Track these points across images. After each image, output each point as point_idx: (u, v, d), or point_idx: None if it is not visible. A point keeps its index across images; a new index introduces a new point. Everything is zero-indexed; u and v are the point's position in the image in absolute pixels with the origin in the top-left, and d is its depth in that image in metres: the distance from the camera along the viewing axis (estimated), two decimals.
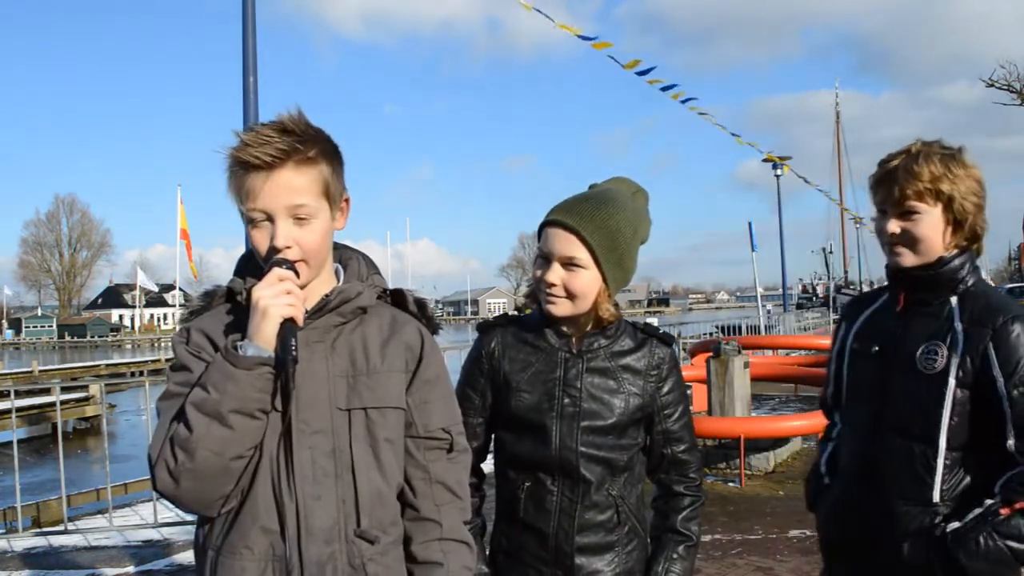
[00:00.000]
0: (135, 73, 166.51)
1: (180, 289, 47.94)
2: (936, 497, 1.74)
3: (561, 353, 1.82)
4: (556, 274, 1.76)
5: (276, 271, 1.34)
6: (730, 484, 6.94)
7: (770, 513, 5.99)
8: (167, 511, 6.25)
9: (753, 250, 18.74)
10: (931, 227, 1.78)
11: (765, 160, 21.14)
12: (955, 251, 1.80)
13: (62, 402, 10.35)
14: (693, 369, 9.31)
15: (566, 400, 1.78)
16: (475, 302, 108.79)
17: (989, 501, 1.67)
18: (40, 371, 34.34)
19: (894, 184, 1.79)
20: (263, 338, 1.32)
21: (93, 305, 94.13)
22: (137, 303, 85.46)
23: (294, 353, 1.30)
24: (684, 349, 12.74)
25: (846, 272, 70.58)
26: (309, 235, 1.40)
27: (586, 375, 1.80)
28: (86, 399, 19.96)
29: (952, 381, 1.72)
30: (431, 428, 1.50)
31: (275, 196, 1.37)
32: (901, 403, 1.80)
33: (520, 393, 1.81)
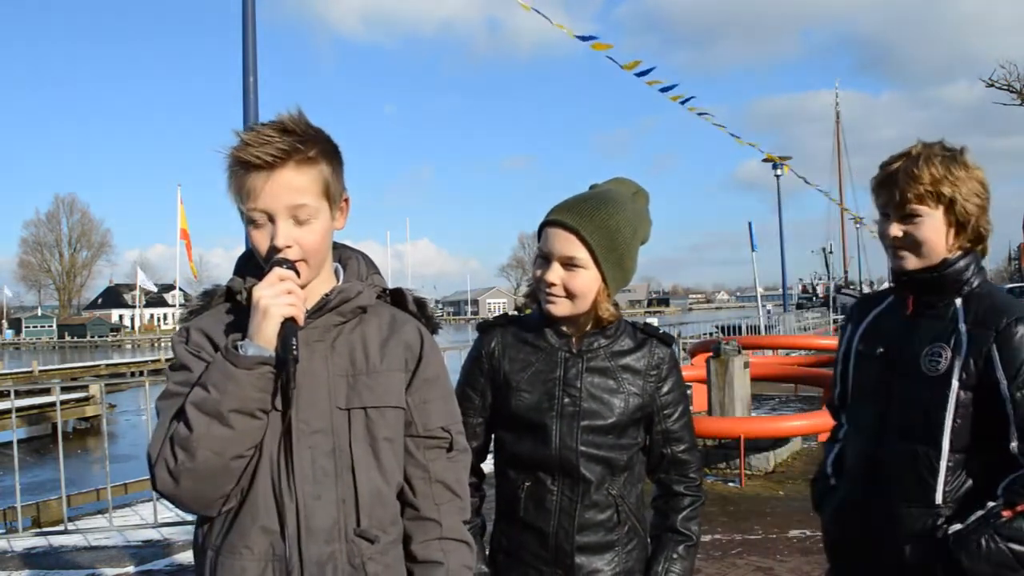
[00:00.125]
0: (135, 73, 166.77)
1: (180, 289, 47.94)
2: (939, 499, 1.74)
3: (561, 353, 1.81)
4: (555, 274, 1.76)
5: (277, 271, 1.34)
6: (730, 484, 6.94)
7: (770, 513, 5.99)
8: (167, 511, 6.25)
9: (753, 250, 18.76)
10: (933, 230, 1.78)
11: (765, 160, 21.17)
12: (959, 253, 1.80)
13: (62, 402, 10.35)
14: (693, 369, 9.32)
15: (566, 400, 1.78)
16: (475, 302, 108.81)
17: (991, 503, 1.67)
18: (40, 371, 34.34)
19: (895, 187, 1.79)
20: (264, 338, 1.32)
21: (93, 305, 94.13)
22: (137, 303, 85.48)
23: (295, 353, 1.30)
24: (684, 349, 12.73)
25: (846, 272, 70.59)
26: (310, 235, 1.40)
27: (586, 375, 1.80)
28: (86, 399, 19.96)
29: (955, 383, 1.72)
30: (431, 427, 1.50)
31: (276, 196, 1.37)
32: (905, 405, 1.79)
33: (520, 393, 1.81)
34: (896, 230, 1.81)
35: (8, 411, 9.53)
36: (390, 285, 1.58)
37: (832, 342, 11.49)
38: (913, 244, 1.80)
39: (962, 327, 1.75)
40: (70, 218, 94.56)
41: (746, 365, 7.76)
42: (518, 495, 1.80)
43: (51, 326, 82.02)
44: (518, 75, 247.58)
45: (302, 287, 1.38)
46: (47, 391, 17.13)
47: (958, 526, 1.68)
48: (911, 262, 1.82)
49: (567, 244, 1.75)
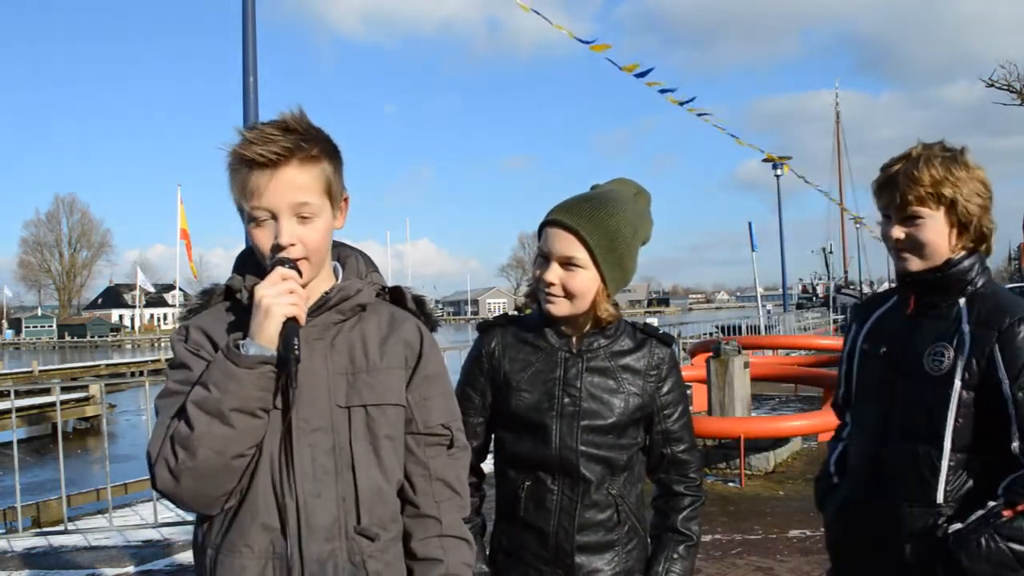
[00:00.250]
0: (135, 73, 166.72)
1: (180, 289, 47.88)
2: (940, 498, 1.74)
3: (561, 353, 1.82)
4: (555, 274, 1.76)
5: (279, 270, 1.35)
6: (730, 484, 6.94)
7: (770, 513, 5.99)
8: (167, 511, 6.25)
9: (753, 250, 18.75)
10: (935, 231, 1.78)
11: (765, 160, 21.16)
12: (963, 253, 1.80)
13: (62, 402, 10.35)
14: (693, 369, 9.31)
15: (566, 399, 1.78)
16: (475, 302, 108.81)
17: (992, 503, 1.67)
18: (40, 371, 34.34)
19: (896, 190, 1.79)
20: (266, 337, 1.32)
21: (93, 305, 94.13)
22: (137, 303, 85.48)
23: (297, 352, 1.30)
24: (684, 349, 12.73)
25: (846, 272, 70.57)
26: (312, 233, 1.40)
27: (586, 375, 1.80)
28: (86, 399, 19.96)
29: (958, 383, 1.72)
30: (431, 424, 1.50)
31: (280, 194, 1.37)
32: (908, 405, 1.80)
33: (520, 392, 1.81)
34: (898, 232, 1.81)
35: (8, 411, 9.53)
36: (390, 285, 1.58)
37: (832, 342, 11.51)
38: (916, 246, 1.80)
39: (965, 327, 1.75)
40: (70, 218, 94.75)
41: (746, 365, 7.76)
42: (518, 495, 1.80)
43: (51, 326, 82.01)
44: (518, 75, 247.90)
45: (303, 286, 1.38)
46: (47, 391, 17.14)
47: (958, 525, 1.69)
48: (914, 263, 1.82)
49: (566, 244, 1.75)
